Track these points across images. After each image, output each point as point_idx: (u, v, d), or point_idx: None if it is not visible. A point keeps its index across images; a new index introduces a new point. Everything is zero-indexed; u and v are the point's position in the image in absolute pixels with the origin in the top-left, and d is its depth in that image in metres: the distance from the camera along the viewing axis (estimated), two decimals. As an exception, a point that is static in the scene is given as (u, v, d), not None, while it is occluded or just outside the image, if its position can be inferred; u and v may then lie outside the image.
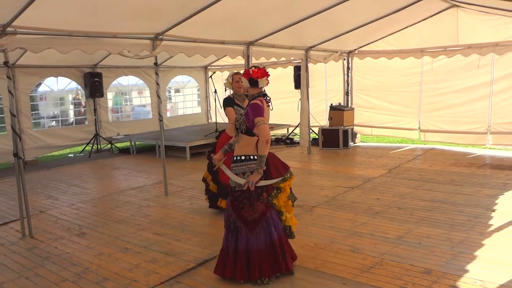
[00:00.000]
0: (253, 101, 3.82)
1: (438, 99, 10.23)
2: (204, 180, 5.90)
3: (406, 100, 10.65)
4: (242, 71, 4.61)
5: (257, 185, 3.69)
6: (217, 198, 5.70)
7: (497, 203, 5.69)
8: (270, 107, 3.93)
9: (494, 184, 6.64)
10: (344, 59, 11.22)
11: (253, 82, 3.86)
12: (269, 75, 3.94)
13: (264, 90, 3.98)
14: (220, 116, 13.21)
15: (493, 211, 5.38)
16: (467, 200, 5.87)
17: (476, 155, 9.26)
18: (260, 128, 3.62)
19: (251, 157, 3.75)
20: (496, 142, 9.60)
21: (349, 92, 11.40)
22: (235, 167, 3.80)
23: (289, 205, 4.01)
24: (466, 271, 3.79)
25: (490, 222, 5.00)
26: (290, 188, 4.00)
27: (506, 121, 9.29)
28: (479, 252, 4.17)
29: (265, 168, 3.69)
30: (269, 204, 3.79)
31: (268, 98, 3.90)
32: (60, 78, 11.10)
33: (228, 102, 5.39)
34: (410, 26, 9.74)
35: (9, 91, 5.10)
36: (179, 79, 14.09)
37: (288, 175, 3.91)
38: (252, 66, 3.96)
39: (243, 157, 3.78)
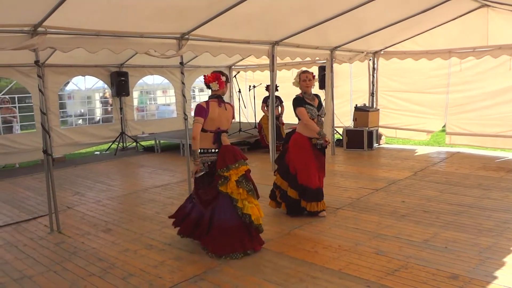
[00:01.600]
0: (200, 102, 4.53)
1: (465, 101, 10.00)
2: (277, 187, 5.54)
3: (433, 102, 10.46)
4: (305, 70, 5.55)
5: (196, 175, 4.46)
6: (298, 203, 5.42)
7: (527, 208, 5.54)
8: (223, 107, 4.51)
9: (524, 189, 6.47)
10: (370, 59, 11.10)
11: (207, 86, 4.62)
12: (222, 80, 4.55)
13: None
14: (244, 116, 13.24)
15: (523, 216, 5.24)
16: (495, 205, 5.73)
17: (505, 159, 9.02)
18: (193, 126, 4.31)
19: (207, 150, 4.47)
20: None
21: (374, 93, 11.27)
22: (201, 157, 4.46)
23: (244, 194, 4.37)
24: (494, 277, 3.70)
25: (520, 227, 4.87)
26: (247, 179, 4.46)
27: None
28: (508, 258, 4.07)
29: (198, 160, 4.39)
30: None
31: (217, 99, 4.51)
32: (87, 77, 11.34)
33: (299, 102, 5.38)
34: (438, 26, 9.56)
35: (40, 90, 5.23)
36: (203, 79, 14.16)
37: (236, 165, 4.35)
38: (214, 71, 4.63)
39: (202, 150, 4.46)
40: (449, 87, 10.21)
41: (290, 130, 5.74)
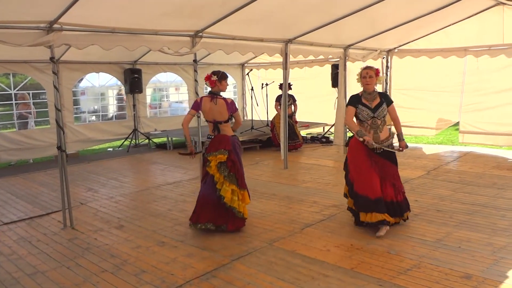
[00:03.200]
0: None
1: (480, 99, 9.89)
2: (345, 195, 5.19)
3: (447, 100, 10.35)
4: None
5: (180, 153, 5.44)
6: (358, 213, 4.90)
7: (542, 209, 5.46)
8: (214, 101, 5.01)
9: (540, 189, 6.38)
10: (383, 57, 11.01)
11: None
12: (211, 79, 5.05)
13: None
14: (256, 114, 13.25)
15: (539, 217, 5.17)
16: (510, 205, 5.65)
17: (519, 158, 8.92)
18: None
19: (209, 136, 5.16)
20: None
21: (387, 91, 11.18)
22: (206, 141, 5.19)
23: (222, 178, 4.94)
24: (508, 277, 3.66)
25: (535, 228, 4.81)
26: (226, 166, 4.94)
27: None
28: (523, 259, 4.02)
29: (189, 142, 5.09)
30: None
31: (211, 95, 5.06)
32: (101, 74, 11.43)
33: (350, 101, 4.95)
34: (453, 24, 9.44)
35: (54, 86, 5.29)
36: (216, 76, 14.18)
37: (216, 153, 4.93)
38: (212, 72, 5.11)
39: (208, 136, 5.21)
40: (464, 85, 10.09)
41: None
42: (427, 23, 8.77)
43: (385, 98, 4.95)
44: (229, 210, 4.93)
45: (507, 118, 9.48)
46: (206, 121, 5.21)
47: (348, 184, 4.99)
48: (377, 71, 4.91)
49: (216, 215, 4.94)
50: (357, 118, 4.91)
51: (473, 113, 10.05)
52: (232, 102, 5.14)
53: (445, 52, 9.90)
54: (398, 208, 4.83)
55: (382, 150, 4.79)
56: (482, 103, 9.86)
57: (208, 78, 5.09)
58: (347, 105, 4.97)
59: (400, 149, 4.98)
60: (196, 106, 5.07)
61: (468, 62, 9.91)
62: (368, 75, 4.85)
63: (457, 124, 10.46)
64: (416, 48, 10.48)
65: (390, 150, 4.86)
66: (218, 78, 5.08)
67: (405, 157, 9.22)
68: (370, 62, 10.79)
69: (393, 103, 4.97)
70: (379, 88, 5.05)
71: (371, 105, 4.83)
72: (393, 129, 5.23)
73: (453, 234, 4.68)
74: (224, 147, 4.99)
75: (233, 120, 5.29)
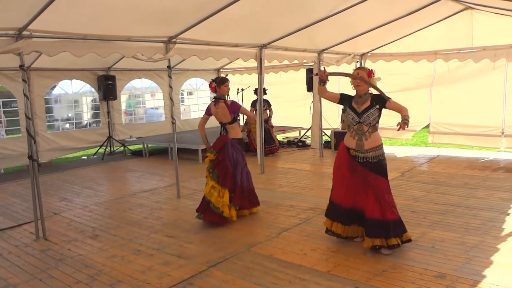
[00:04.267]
0: None
1: (450, 101, 10.13)
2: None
3: (418, 102, 10.54)
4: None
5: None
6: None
7: (511, 207, 5.62)
8: (217, 106, 5.58)
9: (509, 188, 6.55)
10: (357, 61, 11.16)
11: None
12: (211, 85, 5.70)
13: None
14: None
15: (508, 214, 5.31)
16: (481, 204, 5.80)
17: (490, 158, 9.15)
18: None
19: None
20: (510, 145, 9.48)
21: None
22: None
23: (207, 173, 5.55)
24: (481, 275, 3.74)
25: (505, 226, 4.93)
26: (212, 165, 5.50)
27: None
28: (494, 256, 4.12)
29: (205, 141, 5.85)
30: None
31: (214, 100, 5.65)
32: (74, 80, 11.23)
33: (341, 94, 4.64)
34: (424, 28, 9.65)
35: (25, 94, 5.17)
36: (192, 82, 14.15)
37: (209, 152, 5.60)
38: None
39: None
40: (434, 87, 10.30)
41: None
42: (399, 27, 8.94)
43: (378, 101, 4.41)
44: (209, 203, 5.36)
45: (475, 120, 9.74)
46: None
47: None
48: (370, 72, 4.46)
49: (201, 205, 5.51)
50: (346, 122, 4.72)
51: (443, 114, 10.28)
52: (233, 102, 5.63)
53: (416, 56, 10.10)
54: (382, 229, 4.22)
55: (365, 160, 4.38)
56: (451, 105, 10.10)
57: (210, 86, 5.73)
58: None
59: (398, 126, 4.24)
60: (207, 110, 5.74)
61: (438, 65, 10.13)
62: (360, 76, 4.42)
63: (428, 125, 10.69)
64: (388, 52, 10.66)
65: (372, 161, 4.40)
66: (217, 84, 5.59)
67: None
68: (344, 66, 10.95)
69: (391, 99, 4.42)
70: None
71: (358, 109, 4.41)
72: None
73: (427, 235, 4.76)
74: (215, 147, 5.55)
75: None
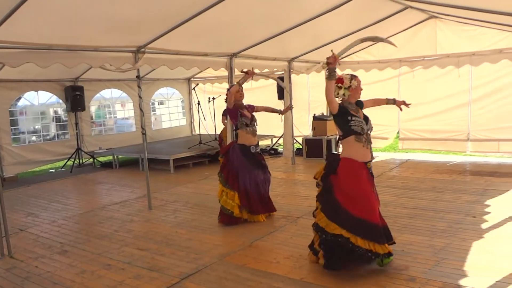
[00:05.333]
0: None
1: (417, 108, 10.35)
2: (319, 229, 4.13)
3: (386, 109, 10.72)
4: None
5: None
6: (346, 247, 3.95)
7: (477, 209, 5.77)
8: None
9: (474, 190, 6.74)
10: (326, 69, 11.30)
11: None
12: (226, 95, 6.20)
13: None
14: (204, 128, 13.19)
15: (474, 217, 5.45)
16: (448, 207, 5.94)
17: (456, 162, 9.41)
18: None
19: None
20: (475, 149, 9.80)
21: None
22: None
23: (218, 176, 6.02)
24: (449, 277, 3.82)
25: (471, 227, 5.06)
26: (220, 168, 5.99)
27: (485, 128, 9.50)
28: (461, 258, 4.22)
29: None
30: None
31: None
32: (40, 92, 10.98)
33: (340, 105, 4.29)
34: (390, 37, 9.85)
35: (-13, 107, 5.02)
36: (163, 91, 14.05)
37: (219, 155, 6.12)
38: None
39: None
40: (400, 94, 10.50)
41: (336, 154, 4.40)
42: (365, 35, 9.10)
43: (361, 107, 4.31)
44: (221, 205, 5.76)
45: (443, 125, 10.02)
46: None
47: (334, 219, 3.99)
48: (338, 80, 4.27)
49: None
50: (353, 133, 4.10)
51: (411, 121, 10.51)
52: (249, 106, 6.01)
53: (382, 63, 10.32)
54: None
55: (371, 171, 4.21)
56: (419, 112, 10.33)
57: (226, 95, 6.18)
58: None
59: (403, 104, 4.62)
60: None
61: (403, 72, 10.36)
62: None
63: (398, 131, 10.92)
64: (356, 60, 10.86)
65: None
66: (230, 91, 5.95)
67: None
68: (313, 75, 11.10)
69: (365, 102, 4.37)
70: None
71: (360, 117, 4.16)
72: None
73: (397, 239, 4.80)
74: (221, 151, 6.17)
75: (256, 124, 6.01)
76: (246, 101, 6.16)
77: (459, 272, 3.90)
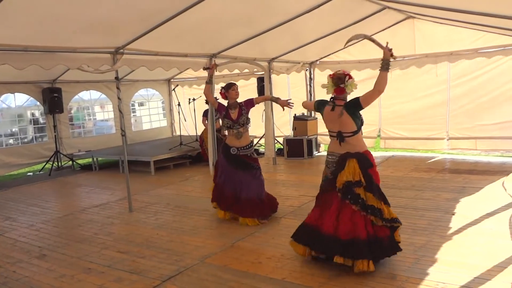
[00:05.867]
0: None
1: (397, 107, 10.52)
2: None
3: (367, 108, 10.84)
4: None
5: None
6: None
7: (456, 206, 5.87)
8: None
9: (453, 188, 6.86)
10: (306, 70, 11.38)
11: None
12: (222, 93, 5.99)
13: None
14: (185, 129, 13.12)
15: (453, 214, 5.55)
16: (427, 205, 6.03)
17: (435, 160, 9.57)
18: None
19: None
20: (453, 146, 9.97)
21: (312, 102, 11.54)
22: None
23: None
24: (429, 274, 3.88)
25: (450, 225, 5.15)
26: None
27: (462, 127, 9.69)
28: (441, 255, 4.29)
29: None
30: None
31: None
32: (17, 94, 10.77)
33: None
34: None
35: (-39, 110, 4.91)
36: (143, 93, 13.91)
37: None
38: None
39: None
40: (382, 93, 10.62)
41: (355, 153, 4.24)
42: (344, 36, 9.10)
43: (348, 106, 4.29)
44: None
45: (423, 124, 10.18)
46: None
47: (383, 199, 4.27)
48: (342, 74, 4.37)
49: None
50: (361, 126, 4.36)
51: (391, 120, 10.65)
52: (246, 103, 5.88)
53: (362, 64, 10.41)
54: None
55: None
56: (399, 111, 10.49)
57: (220, 94, 6.03)
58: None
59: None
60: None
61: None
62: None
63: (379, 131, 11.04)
64: (336, 60, 10.95)
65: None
66: (225, 90, 5.91)
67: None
68: (294, 75, 11.14)
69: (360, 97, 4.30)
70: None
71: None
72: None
73: (378, 237, 4.88)
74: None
75: (249, 124, 6.00)
76: (226, 103, 6.15)
77: (438, 269, 3.97)
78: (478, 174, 7.83)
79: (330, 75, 4.38)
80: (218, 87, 11.24)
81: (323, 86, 4.43)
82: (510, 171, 7.85)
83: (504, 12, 5.38)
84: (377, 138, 11.14)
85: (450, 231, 4.94)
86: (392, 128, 10.73)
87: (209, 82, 6.08)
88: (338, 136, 4.24)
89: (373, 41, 4.28)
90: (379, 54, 4.14)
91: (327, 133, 4.52)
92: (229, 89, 5.86)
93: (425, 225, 5.18)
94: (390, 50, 4.08)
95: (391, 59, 4.10)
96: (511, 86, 9.02)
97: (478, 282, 3.67)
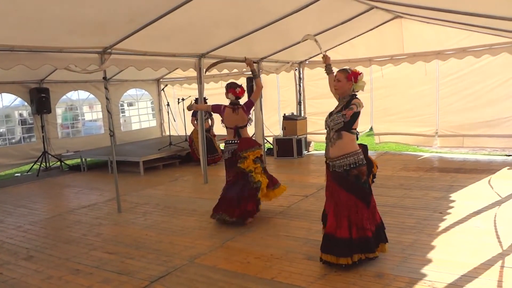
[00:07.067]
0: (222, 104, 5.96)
1: (389, 105, 10.59)
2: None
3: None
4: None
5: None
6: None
7: (443, 205, 5.92)
8: (236, 112, 5.81)
9: (441, 187, 6.92)
10: (296, 69, 11.40)
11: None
12: (226, 93, 5.93)
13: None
14: (174, 129, 13.10)
15: (440, 213, 5.59)
16: (415, 203, 6.08)
17: (423, 157, 9.66)
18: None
19: (230, 141, 5.87)
20: (443, 144, 10.09)
21: (302, 101, 11.59)
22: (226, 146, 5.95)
23: (259, 168, 5.62)
24: (417, 272, 3.90)
25: (438, 223, 5.19)
26: (261, 160, 5.74)
27: (452, 125, 9.79)
28: (429, 253, 4.32)
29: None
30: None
31: (236, 106, 5.87)
32: (4, 94, 10.66)
33: None
34: (357, 36, 10.03)
35: None
36: (132, 92, 13.84)
37: (253, 149, 5.64)
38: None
39: (227, 141, 5.93)
40: (372, 92, 10.65)
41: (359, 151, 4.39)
42: (333, 36, 9.22)
43: (349, 103, 4.14)
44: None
45: (414, 121, 10.29)
46: (226, 127, 5.88)
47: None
48: (348, 76, 4.22)
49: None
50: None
51: (384, 118, 10.72)
52: (247, 104, 5.85)
53: (352, 63, 10.41)
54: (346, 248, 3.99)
55: (334, 169, 4.29)
56: (390, 109, 10.56)
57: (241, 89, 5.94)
58: None
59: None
60: (219, 110, 5.88)
61: (374, 71, 10.55)
62: (336, 79, 4.27)
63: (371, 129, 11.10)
64: (325, 59, 10.94)
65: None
66: (226, 90, 5.91)
67: (320, 164, 9.50)
68: (283, 74, 11.15)
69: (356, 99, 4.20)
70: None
71: (331, 113, 4.27)
72: None
73: (366, 236, 4.90)
74: (256, 144, 5.79)
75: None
76: (217, 102, 6.17)
77: (426, 268, 4.00)
78: (465, 172, 7.91)
79: (359, 73, 4.28)
80: (208, 86, 11.31)
81: (359, 87, 4.31)
82: (497, 169, 7.95)
83: (491, 12, 5.43)
84: (368, 136, 11.20)
85: (438, 230, 4.98)
86: (384, 126, 10.80)
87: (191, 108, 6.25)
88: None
89: (316, 42, 5.02)
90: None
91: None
92: (229, 88, 5.92)
93: (413, 224, 5.21)
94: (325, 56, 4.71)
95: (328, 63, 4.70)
96: (498, 84, 9.13)
97: (465, 280, 3.70)
